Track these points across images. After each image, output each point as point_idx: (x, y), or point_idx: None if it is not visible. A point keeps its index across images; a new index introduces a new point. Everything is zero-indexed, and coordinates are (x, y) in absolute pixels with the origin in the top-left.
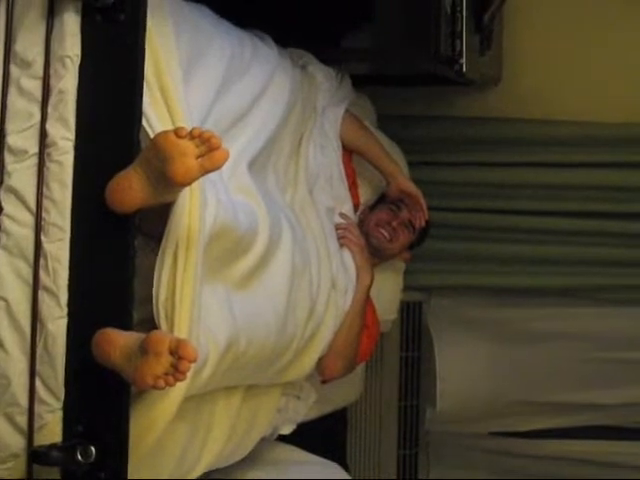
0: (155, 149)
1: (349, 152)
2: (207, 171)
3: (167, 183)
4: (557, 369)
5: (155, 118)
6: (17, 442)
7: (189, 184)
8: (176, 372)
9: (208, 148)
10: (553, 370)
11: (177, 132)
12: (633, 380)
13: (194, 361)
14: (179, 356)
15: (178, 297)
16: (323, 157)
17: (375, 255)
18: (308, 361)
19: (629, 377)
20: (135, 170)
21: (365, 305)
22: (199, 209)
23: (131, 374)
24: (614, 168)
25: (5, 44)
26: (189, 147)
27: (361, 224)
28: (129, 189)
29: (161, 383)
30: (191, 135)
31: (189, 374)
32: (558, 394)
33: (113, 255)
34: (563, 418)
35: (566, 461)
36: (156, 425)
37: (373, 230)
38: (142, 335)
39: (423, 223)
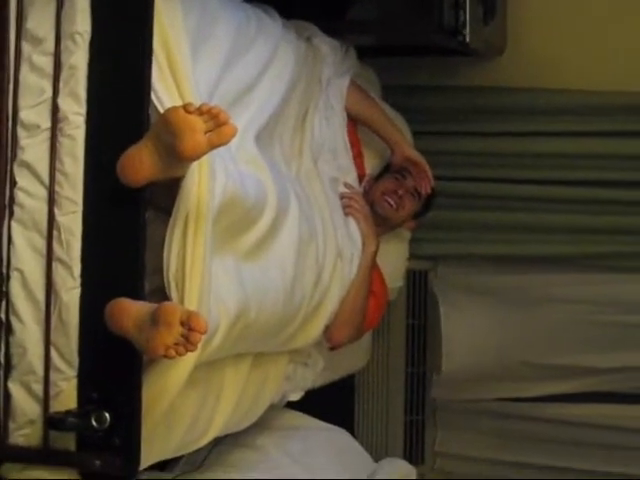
0: (164, 124)
1: (354, 122)
2: (215, 146)
3: (176, 157)
4: (561, 333)
5: (163, 92)
6: (33, 409)
7: (198, 159)
8: (187, 343)
9: (216, 123)
10: (557, 334)
11: (186, 107)
12: (635, 344)
13: (204, 333)
14: (190, 327)
15: (188, 268)
16: (328, 128)
17: (381, 224)
18: (315, 328)
19: (631, 341)
20: (145, 145)
21: (371, 272)
22: (208, 181)
23: (143, 343)
24: (620, 136)
25: (16, 21)
26: (198, 122)
27: (367, 194)
28: (139, 163)
29: (172, 353)
30: (200, 110)
31: (199, 344)
32: (562, 357)
33: (125, 227)
34: (567, 384)
35: (571, 424)
36: (168, 392)
37: (379, 199)
38: (154, 305)
39: (429, 190)
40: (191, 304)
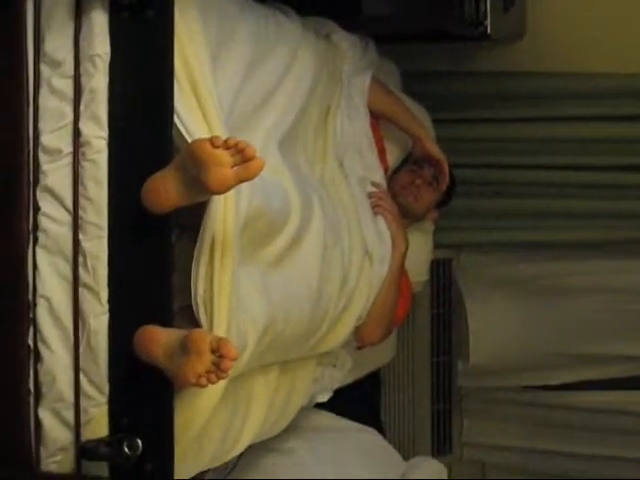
0: (191, 157)
1: (376, 118)
2: (242, 180)
3: (202, 189)
4: (587, 322)
5: (186, 113)
6: (64, 436)
7: (224, 192)
8: (218, 370)
9: (243, 158)
10: (583, 323)
11: (212, 141)
12: None
13: (235, 359)
14: (220, 355)
15: (216, 289)
16: (351, 126)
17: (404, 216)
18: (342, 331)
19: None
20: (170, 173)
21: (401, 272)
22: (234, 198)
23: (174, 372)
24: None
25: (34, 44)
26: (225, 157)
27: (388, 188)
28: (164, 191)
29: (203, 381)
30: (226, 144)
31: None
32: (589, 346)
33: (151, 251)
34: (594, 371)
35: (598, 411)
36: (199, 415)
37: (399, 192)
38: (183, 332)
39: (444, 188)
40: (220, 326)
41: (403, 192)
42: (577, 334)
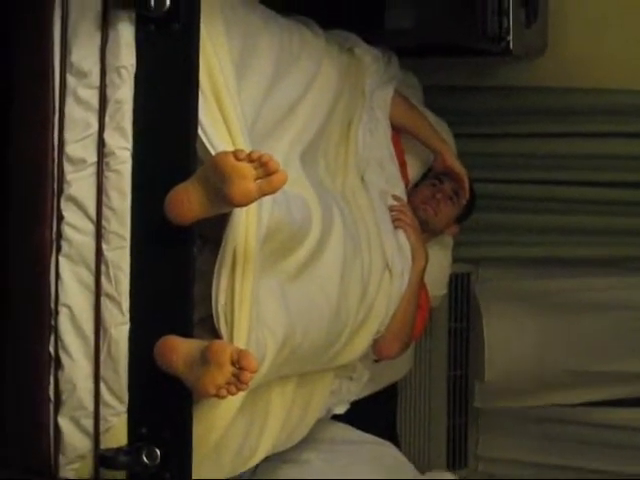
0: (214, 169)
1: (397, 132)
2: (265, 194)
3: (225, 202)
4: (605, 339)
5: (210, 125)
6: (84, 444)
7: (247, 205)
8: (238, 382)
9: (266, 171)
10: (601, 340)
11: (236, 154)
12: None
13: (255, 371)
14: (241, 367)
15: (237, 301)
16: (373, 140)
17: (424, 230)
18: (361, 344)
19: None
20: (193, 185)
21: (420, 286)
22: (256, 211)
23: (193, 382)
24: None
25: (61, 55)
26: (248, 170)
27: (409, 201)
28: (187, 202)
29: (223, 392)
30: (250, 158)
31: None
32: (606, 364)
33: (173, 262)
34: (611, 389)
35: (614, 428)
36: (218, 425)
37: (419, 206)
38: (203, 343)
39: (464, 202)
40: (240, 338)
41: (423, 206)
42: (594, 351)
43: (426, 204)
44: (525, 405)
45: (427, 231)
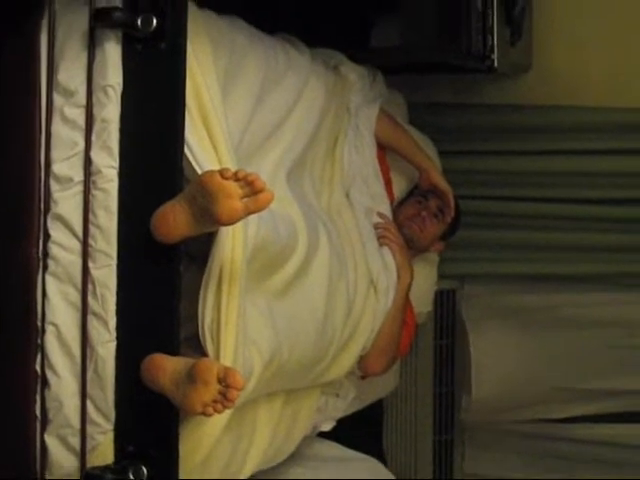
0: (200, 188)
1: (382, 149)
2: (252, 212)
3: (211, 220)
4: (590, 356)
5: (196, 144)
6: (70, 462)
7: (233, 224)
8: (224, 400)
9: (252, 190)
10: (586, 357)
11: (222, 173)
12: None
13: (242, 389)
14: (227, 384)
15: (224, 319)
16: (358, 157)
17: (409, 247)
18: (347, 361)
19: None
20: (180, 204)
21: (406, 303)
22: (242, 230)
23: (180, 400)
24: None
25: (47, 73)
26: (234, 189)
27: (394, 219)
28: (173, 222)
29: (210, 410)
30: (236, 176)
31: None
32: (592, 381)
33: (160, 281)
34: (597, 405)
35: (600, 444)
36: (204, 442)
37: (404, 223)
38: (190, 361)
39: (449, 219)
40: (227, 355)
41: (408, 223)
42: (579, 368)
43: (411, 221)
44: (511, 420)
45: (412, 248)
